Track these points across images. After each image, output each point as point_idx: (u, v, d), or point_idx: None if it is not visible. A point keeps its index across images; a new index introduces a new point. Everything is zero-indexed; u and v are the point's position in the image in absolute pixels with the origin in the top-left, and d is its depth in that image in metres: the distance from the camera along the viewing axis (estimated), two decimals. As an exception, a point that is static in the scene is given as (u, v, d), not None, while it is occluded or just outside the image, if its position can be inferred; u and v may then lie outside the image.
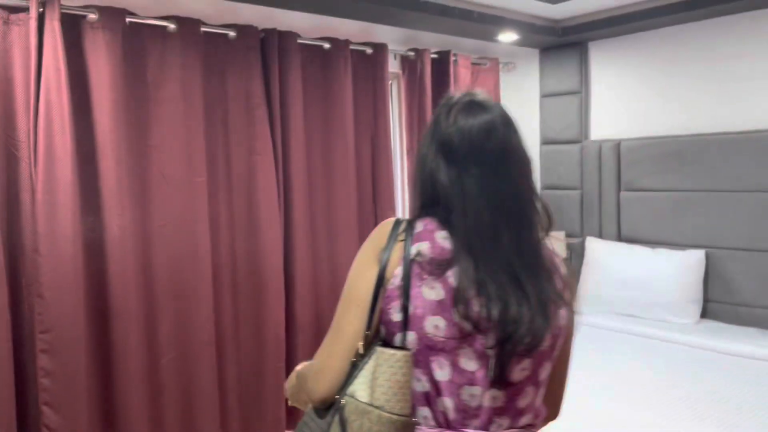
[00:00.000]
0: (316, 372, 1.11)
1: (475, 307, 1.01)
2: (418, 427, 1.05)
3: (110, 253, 2.66)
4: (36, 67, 2.42)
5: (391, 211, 3.71)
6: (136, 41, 2.73)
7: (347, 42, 3.45)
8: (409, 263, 1.03)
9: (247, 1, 2.84)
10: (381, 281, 1.05)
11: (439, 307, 1.02)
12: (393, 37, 3.72)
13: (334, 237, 3.46)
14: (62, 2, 2.46)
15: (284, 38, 3.17)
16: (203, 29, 2.91)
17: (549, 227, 1.13)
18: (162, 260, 2.84)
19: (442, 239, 1.05)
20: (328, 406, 1.08)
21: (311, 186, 3.34)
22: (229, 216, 3.09)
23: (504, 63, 4.41)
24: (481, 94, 1.16)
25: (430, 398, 1.05)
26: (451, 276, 1.02)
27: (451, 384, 1.03)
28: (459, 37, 3.87)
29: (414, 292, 1.03)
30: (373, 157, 3.67)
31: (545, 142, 4.34)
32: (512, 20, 3.65)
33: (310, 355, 1.18)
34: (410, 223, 1.09)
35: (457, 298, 1.01)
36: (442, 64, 3.96)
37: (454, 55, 3.99)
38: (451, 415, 1.04)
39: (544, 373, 1.10)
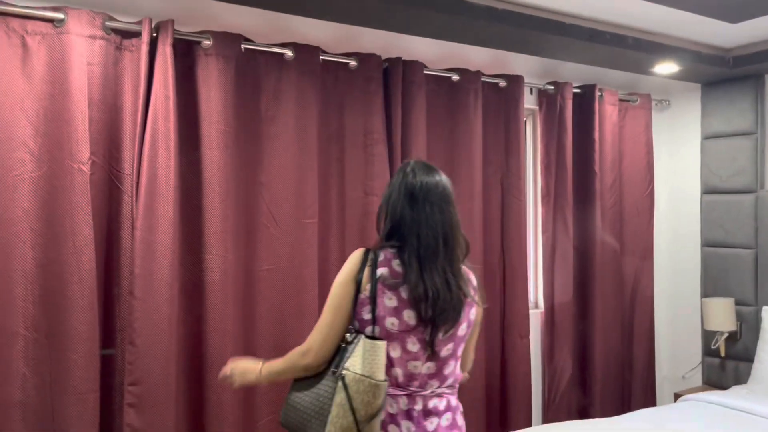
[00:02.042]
0: (314, 352, 1.61)
1: (420, 304, 1.56)
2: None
3: (209, 299, 2.41)
4: (145, 95, 2.26)
5: (522, 264, 3.24)
6: (250, 70, 2.52)
7: (478, 73, 3.09)
8: (375, 282, 1.58)
9: (370, 26, 2.57)
10: (357, 294, 1.60)
11: (394, 312, 1.58)
12: (529, 69, 3.31)
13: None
14: (176, 27, 2.30)
15: (409, 68, 2.87)
16: (322, 57, 2.66)
17: (466, 252, 1.69)
18: (265, 309, 2.56)
19: (397, 266, 1.60)
20: (315, 375, 1.60)
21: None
22: (340, 262, 2.75)
23: (657, 100, 3.85)
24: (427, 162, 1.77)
25: (387, 369, 1.57)
26: (402, 291, 1.58)
27: (401, 359, 1.59)
28: (605, 69, 3.40)
29: (378, 301, 1.58)
30: (503, 201, 3.24)
31: (708, 191, 3.69)
32: (673, 48, 3.12)
33: None
34: (375, 253, 1.62)
35: (410, 302, 1.57)
36: (585, 100, 3.49)
37: (600, 90, 3.50)
38: (401, 379, 1.60)
39: (460, 350, 1.67)
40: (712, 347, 3.60)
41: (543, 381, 3.47)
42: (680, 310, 3.88)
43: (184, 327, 2.40)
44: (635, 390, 3.70)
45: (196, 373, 2.41)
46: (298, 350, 1.64)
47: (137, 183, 2.25)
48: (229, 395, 2.40)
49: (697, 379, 3.79)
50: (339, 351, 1.57)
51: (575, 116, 3.45)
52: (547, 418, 3.40)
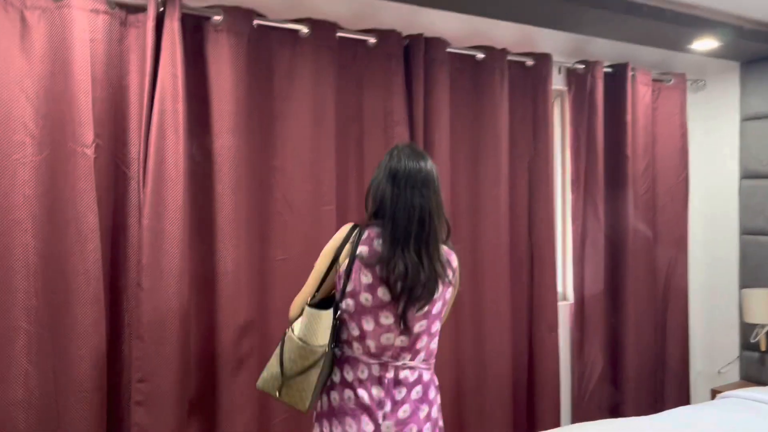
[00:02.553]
0: (293, 312, 1.82)
1: (394, 282, 1.67)
2: (353, 355, 1.73)
3: (221, 291, 2.28)
4: (151, 74, 2.11)
5: (550, 254, 3.07)
6: (263, 47, 2.37)
7: (504, 51, 2.91)
8: (353, 259, 1.71)
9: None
10: (332, 267, 1.75)
11: (369, 288, 1.70)
12: (557, 47, 3.13)
13: (479, 278, 2.88)
14: (184, 1, 2.16)
15: (431, 46, 2.70)
16: (339, 34, 2.50)
17: (448, 234, 1.80)
18: (280, 301, 2.41)
19: (377, 245, 1.70)
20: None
21: (456, 219, 2.80)
22: (359, 252, 2.62)
23: (692, 80, 3.64)
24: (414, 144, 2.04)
25: (360, 338, 1.72)
26: (378, 269, 1.68)
27: (374, 332, 1.70)
28: (638, 47, 3.21)
29: (353, 276, 1.70)
30: (531, 187, 3.07)
31: (747, 175, 3.48)
32: (714, 22, 2.92)
33: None
34: (360, 231, 1.74)
35: (382, 279, 1.68)
36: (617, 79, 3.29)
37: (632, 69, 3.30)
38: (373, 349, 1.71)
39: (434, 328, 1.78)
40: (752, 341, 3.41)
41: (572, 377, 3.30)
42: (716, 301, 3.68)
43: (195, 320, 2.27)
44: (669, 386, 3.52)
45: (208, 368, 2.28)
46: (291, 306, 1.85)
47: (144, 168, 2.11)
48: (242, 392, 2.27)
49: (734, 375, 3.60)
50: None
51: (606, 97, 3.25)
52: (577, 416, 3.24)
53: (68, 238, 2.00)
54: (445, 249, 1.78)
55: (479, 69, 2.87)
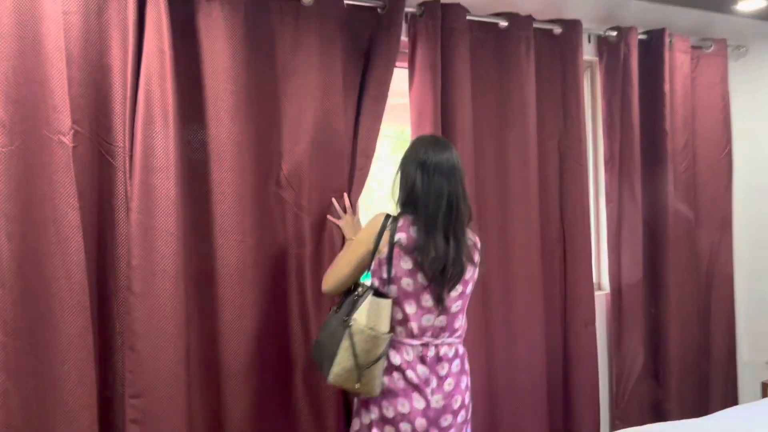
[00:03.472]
0: (329, 294, 1.96)
1: (429, 266, 1.77)
2: (397, 339, 1.82)
3: (224, 292, 2.04)
4: (135, 50, 1.87)
5: (585, 240, 2.80)
6: (262, 17, 2.11)
7: (529, 19, 2.63)
8: (392, 246, 1.79)
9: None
10: (372, 255, 1.82)
11: (409, 273, 1.79)
12: (586, 13, 2.85)
13: (508, 269, 2.62)
14: (170, -33, 1.91)
15: (449, 13, 2.42)
16: (347, 2, 2.24)
17: (470, 218, 1.89)
18: (295, 301, 2.18)
19: (413, 232, 1.79)
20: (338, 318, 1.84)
21: (482, 204, 2.54)
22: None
23: (733, 47, 3.32)
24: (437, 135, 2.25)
25: (403, 322, 1.82)
26: (417, 254, 1.77)
27: (416, 314, 1.81)
28: (673, 11, 2.92)
29: (395, 263, 1.78)
30: (561, 168, 2.79)
31: (798, 149, 3.18)
32: (764, -23, 2.61)
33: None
34: (395, 219, 1.82)
35: (421, 264, 1.77)
36: (652, 47, 3.00)
37: (669, 35, 3.00)
38: (416, 331, 1.82)
39: (466, 305, 1.91)
40: (805, 329, 3.13)
41: (610, 374, 3.04)
42: (764, 287, 3.38)
43: (196, 327, 2.04)
44: (715, 380, 3.25)
45: (212, 381, 2.05)
46: (325, 279, 1.94)
47: (131, 157, 1.87)
48: (251, 406, 2.04)
49: (785, 365, 3.32)
50: (352, 302, 1.80)
51: (641, 67, 2.96)
52: (616, 415, 2.98)
53: (47, 238, 1.76)
54: (469, 231, 1.90)
55: (502, 38, 2.59)
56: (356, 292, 1.83)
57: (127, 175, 1.87)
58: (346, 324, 1.76)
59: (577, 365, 2.80)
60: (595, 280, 3.03)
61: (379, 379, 1.76)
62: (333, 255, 2.18)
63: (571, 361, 2.80)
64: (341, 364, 1.75)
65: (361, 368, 1.74)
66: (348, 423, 2.12)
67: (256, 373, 2.09)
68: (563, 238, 2.80)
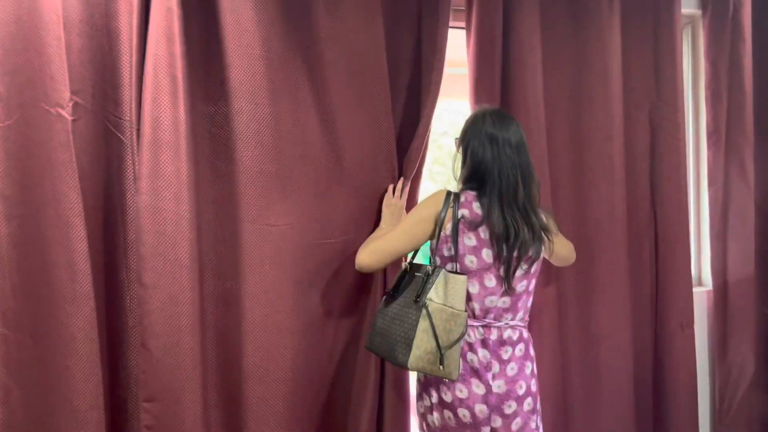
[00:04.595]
0: (371, 268, 1.72)
1: (496, 242, 1.67)
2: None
3: (247, 285, 1.82)
4: (141, 10, 1.66)
5: (682, 227, 2.36)
6: (291, -29, 1.85)
7: (613, -36, 2.22)
8: (457, 222, 1.68)
9: None
10: (439, 231, 1.69)
11: (473, 250, 1.68)
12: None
13: (587, 260, 2.24)
14: None
15: (513, -41, 2.07)
16: (389, -50, 1.94)
17: (538, 194, 1.77)
18: (336, 297, 1.94)
19: (477, 208, 1.69)
20: (398, 305, 1.70)
21: (555, 184, 2.19)
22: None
23: None
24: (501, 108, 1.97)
25: (465, 302, 1.68)
26: (482, 231, 1.67)
27: (479, 295, 1.70)
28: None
29: (459, 239, 1.68)
30: (653, 142, 2.37)
31: None
32: None
33: None
34: (457, 195, 1.71)
35: (489, 241, 1.67)
36: (769, -5, 2.48)
37: (791, -21, 2.48)
38: (478, 312, 1.72)
39: (531, 286, 1.79)
40: None
41: (712, 385, 2.58)
42: None
43: (216, 322, 1.83)
44: None
45: (233, 383, 1.83)
46: (364, 252, 1.72)
47: (138, 131, 1.67)
48: (275, 411, 1.81)
49: None
50: (421, 283, 1.66)
51: (756, 21, 2.46)
52: (721, 434, 2.53)
53: (46, 222, 1.60)
54: (540, 208, 1.79)
55: (579, -11, 2.20)
56: (419, 273, 1.68)
57: (134, 152, 1.67)
58: (420, 304, 1.62)
59: (672, 375, 2.37)
60: (694, 274, 2.57)
61: (458, 361, 1.65)
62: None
63: (663, 369, 2.39)
64: (422, 346, 1.61)
65: (442, 349, 1.62)
66: None
67: (282, 374, 1.85)
68: (655, 225, 2.38)
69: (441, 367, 1.61)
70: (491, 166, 1.67)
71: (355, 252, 1.78)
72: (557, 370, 2.20)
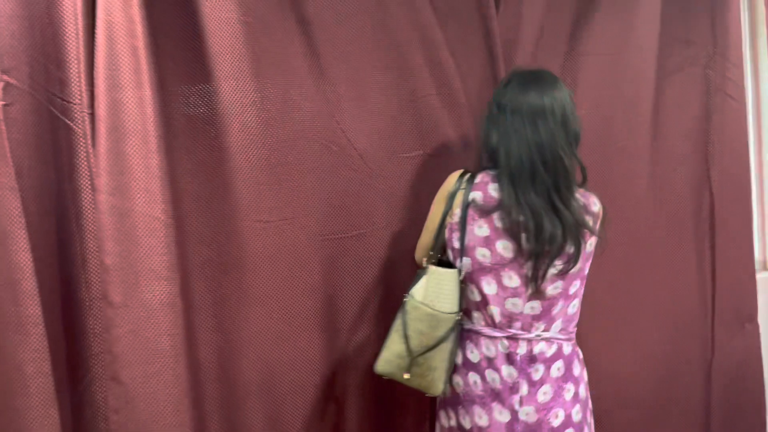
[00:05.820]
0: (418, 246, 1.57)
1: (514, 234, 1.40)
2: (474, 327, 1.47)
3: (250, 292, 1.55)
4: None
5: (744, 204, 2.09)
6: None
7: None
8: (466, 206, 1.44)
9: None
10: (444, 217, 1.48)
11: (485, 242, 1.43)
12: None
13: (625, 246, 1.95)
14: None
15: None
16: None
17: (584, 179, 1.48)
18: (346, 304, 1.67)
19: (493, 190, 1.43)
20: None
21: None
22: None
23: None
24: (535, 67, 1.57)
25: (480, 306, 1.46)
26: (496, 218, 1.42)
27: (497, 296, 1.43)
28: None
29: (468, 228, 1.43)
30: (708, 104, 2.08)
31: None
32: None
33: None
34: (472, 175, 1.47)
35: (505, 231, 1.41)
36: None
37: None
38: (498, 318, 1.44)
39: (572, 289, 1.46)
40: None
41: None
42: None
43: (204, 343, 1.53)
44: None
45: (227, 419, 1.54)
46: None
47: (91, 116, 1.35)
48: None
49: None
50: (418, 276, 1.50)
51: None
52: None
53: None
54: (580, 192, 1.47)
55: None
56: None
57: (89, 143, 1.35)
58: (403, 301, 1.46)
59: (731, 377, 2.10)
60: (757, 257, 2.26)
61: (443, 373, 1.43)
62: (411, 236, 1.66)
63: (720, 371, 2.09)
64: (391, 348, 1.45)
65: (412, 354, 1.42)
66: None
67: (291, 402, 1.58)
68: (711, 204, 2.07)
69: (407, 375, 1.43)
70: (497, 142, 1.43)
71: (371, 248, 1.66)
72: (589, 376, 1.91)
